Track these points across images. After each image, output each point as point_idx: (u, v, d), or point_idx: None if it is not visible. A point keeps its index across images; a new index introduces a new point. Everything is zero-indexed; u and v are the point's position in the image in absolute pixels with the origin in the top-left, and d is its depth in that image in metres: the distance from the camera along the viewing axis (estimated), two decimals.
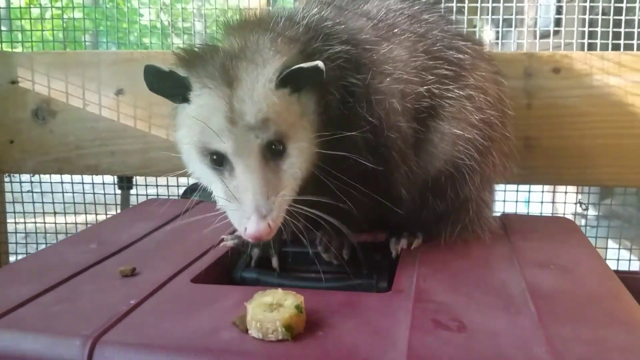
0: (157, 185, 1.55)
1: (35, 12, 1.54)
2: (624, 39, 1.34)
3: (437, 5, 1.10)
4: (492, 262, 0.92)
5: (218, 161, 0.78)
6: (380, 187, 0.89)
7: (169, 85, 0.79)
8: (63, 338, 0.66)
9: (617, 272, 0.94)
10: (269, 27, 0.84)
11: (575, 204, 1.46)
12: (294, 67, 0.77)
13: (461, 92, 0.93)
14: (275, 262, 0.96)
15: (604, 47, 1.35)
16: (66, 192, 1.52)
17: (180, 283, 0.83)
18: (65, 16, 1.58)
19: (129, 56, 1.40)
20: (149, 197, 1.51)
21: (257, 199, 0.74)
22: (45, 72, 1.40)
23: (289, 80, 0.78)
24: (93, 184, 1.53)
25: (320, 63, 0.76)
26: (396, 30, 0.92)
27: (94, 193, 1.54)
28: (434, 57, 0.92)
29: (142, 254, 0.97)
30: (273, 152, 0.77)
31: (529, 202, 1.51)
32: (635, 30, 1.33)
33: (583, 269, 0.88)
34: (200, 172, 0.82)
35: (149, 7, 1.55)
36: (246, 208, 0.74)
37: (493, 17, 1.43)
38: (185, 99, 0.80)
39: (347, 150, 0.82)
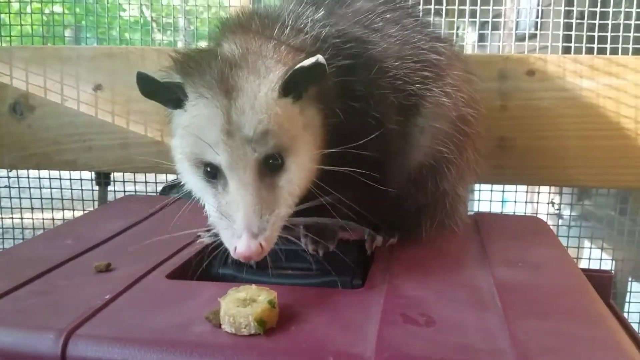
0: (135, 182, 1.55)
1: (16, 6, 1.52)
2: (598, 43, 1.37)
3: (416, 9, 1.12)
4: (463, 259, 0.94)
5: (212, 174, 0.76)
6: (376, 179, 0.87)
7: (163, 93, 0.77)
8: (37, 331, 0.66)
9: (585, 270, 0.96)
10: (272, 35, 0.81)
11: (548, 204, 1.50)
12: (295, 68, 0.73)
13: (440, 90, 0.95)
14: None
15: (582, 51, 1.38)
16: (44, 188, 1.52)
17: (155, 278, 0.84)
18: (46, 10, 1.57)
19: (107, 51, 1.40)
20: (127, 194, 1.51)
21: (249, 217, 0.71)
22: (24, 66, 1.40)
23: (292, 88, 0.75)
24: (71, 179, 1.53)
25: (320, 57, 0.73)
26: (384, 34, 0.93)
27: (71, 189, 1.54)
28: (418, 61, 0.93)
29: (117, 250, 0.97)
30: (270, 166, 0.75)
31: (504, 201, 1.54)
32: (609, 34, 1.36)
33: (550, 267, 0.90)
34: (193, 184, 0.80)
35: (129, 3, 1.54)
36: (237, 226, 0.72)
37: (474, 19, 1.45)
38: (179, 105, 0.77)
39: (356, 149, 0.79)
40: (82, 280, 0.83)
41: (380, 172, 0.90)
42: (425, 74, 0.93)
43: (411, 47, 0.94)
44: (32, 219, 1.57)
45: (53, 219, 1.55)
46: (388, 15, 0.95)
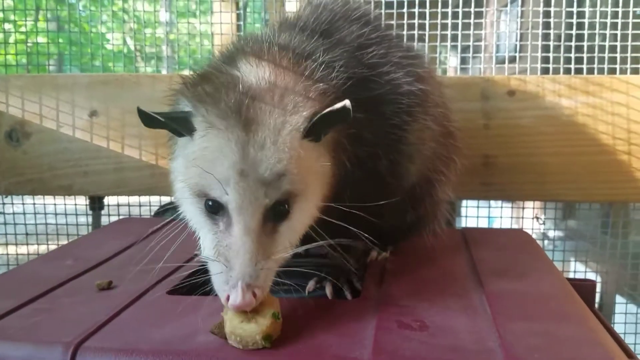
0: (129, 205, 1.57)
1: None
2: (575, 64, 1.44)
3: (394, 35, 1.14)
4: (453, 270, 0.98)
5: (214, 208, 0.71)
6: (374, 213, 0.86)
7: (167, 125, 0.72)
8: (45, 345, 0.68)
9: (569, 279, 1.00)
10: (304, 72, 0.78)
11: (533, 219, 1.54)
12: (324, 112, 0.70)
13: (424, 116, 0.95)
14: None
15: (560, 72, 1.44)
16: (38, 213, 1.54)
17: (156, 295, 0.86)
18: (29, 42, 1.60)
19: (102, 79, 1.44)
20: (121, 217, 1.54)
21: (246, 266, 0.68)
22: (20, 94, 1.43)
23: (314, 131, 0.71)
24: (65, 204, 1.55)
25: (347, 102, 0.69)
26: (379, 71, 0.90)
27: (65, 214, 1.56)
28: (407, 93, 0.91)
29: (117, 269, 0.99)
30: (276, 212, 0.70)
31: (490, 218, 1.59)
32: (585, 55, 1.43)
33: (536, 275, 0.94)
34: (192, 215, 0.76)
35: (113, 32, 1.59)
36: (233, 275, 0.68)
37: (455, 44, 1.51)
38: (186, 134, 0.73)
39: (360, 196, 0.79)
40: (85, 297, 0.85)
41: (377, 208, 0.91)
42: (411, 109, 0.92)
43: (401, 82, 0.91)
44: (27, 244, 1.58)
45: (47, 244, 1.57)
46: (381, 51, 0.92)
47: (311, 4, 1.00)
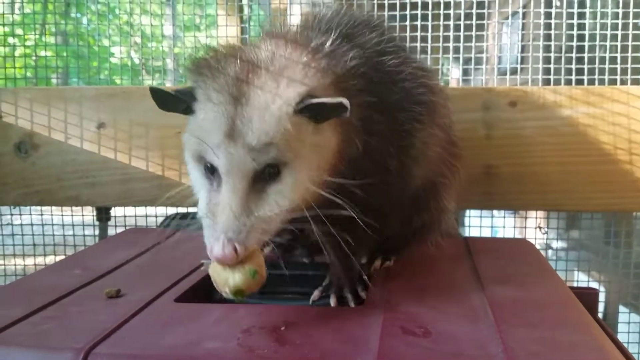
0: (135, 216, 1.59)
1: (4, 50, 1.57)
2: (576, 75, 1.46)
3: (405, 46, 1.17)
4: (456, 277, 0.99)
5: (211, 170, 0.77)
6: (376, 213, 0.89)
7: (175, 102, 0.78)
8: (56, 352, 0.70)
9: (572, 288, 1.01)
10: (309, 47, 0.81)
11: (535, 228, 1.55)
12: (315, 101, 0.74)
13: (432, 123, 0.99)
14: None
15: (561, 83, 1.46)
16: (45, 224, 1.56)
17: (164, 302, 0.88)
18: (34, 55, 1.62)
19: (110, 91, 1.46)
20: (128, 228, 1.55)
21: (229, 221, 0.73)
22: (29, 107, 1.45)
23: (310, 111, 0.74)
24: (72, 216, 1.57)
25: (344, 100, 0.73)
26: (395, 77, 0.93)
27: (73, 225, 1.58)
28: (417, 102, 0.95)
29: (125, 278, 1.01)
30: (266, 174, 0.75)
31: (494, 227, 1.60)
32: (585, 66, 1.45)
33: (539, 283, 0.95)
34: (194, 177, 0.81)
35: (121, 46, 1.61)
36: (217, 228, 0.73)
37: (458, 56, 1.53)
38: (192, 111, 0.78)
39: (366, 192, 0.81)
40: (93, 305, 0.87)
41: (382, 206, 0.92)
42: (421, 117, 0.95)
43: (413, 92, 0.94)
44: (34, 255, 1.60)
45: (55, 254, 1.58)
46: (395, 60, 0.93)
47: (330, 8, 1.02)
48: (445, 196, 1.04)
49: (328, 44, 0.84)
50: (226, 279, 0.72)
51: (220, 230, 0.72)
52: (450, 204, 1.09)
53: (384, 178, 0.89)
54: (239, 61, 0.77)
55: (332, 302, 0.89)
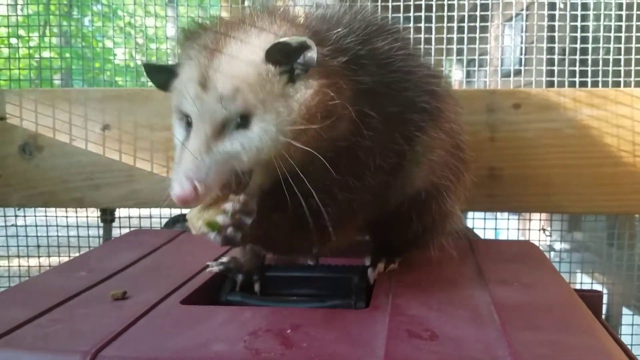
0: (139, 217, 1.59)
1: (6, 51, 1.58)
2: (579, 77, 1.46)
3: (417, 48, 1.17)
4: (461, 280, 0.99)
5: (189, 123, 0.80)
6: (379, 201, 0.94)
7: (165, 73, 0.84)
8: (63, 354, 0.70)
9: (576, 290, 1.02)
10: (288, 17, 0.84)
11: (539, 230, 1.56)
12: (278, 41, 0.76)
13: (438, 127, 1.00)
14: (257, 286, 1.02)
15: (565, 85, 1.46)
16: (50, 226, 1.56)
17: (170, 304, 0.88)
18: (37, 56, 1.63)
19: (115, 93, 1.46)
20: (132, 229, 1.56)
21: (190, 162, 0.75)
22: (33, 108, 1.46)
23: (277, 58, 0.77)
24: (77, 217, 1.58)
25: (308, 39, 0.76)
26: (397, 79, 0.94)
27: (77, 226, 1.58)
28: (420, 106, 0.96)
29: (131, 280, 1.01)
30: (235, 124, 0.77)
31: (496, 229, 1.60)
32: (589, 69, 1.45)
33: (543, 285, 0.95)
34: (176, 133, 0.84)
35: (124, 47, 1.61)
36: (179, 168, 0.75)
37: (461, 57, 1.54)
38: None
39: (354, 163, 0.85)
40: (100, 307, 0.87)
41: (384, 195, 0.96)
42: (426, 116, 0.97)
43: (419, 92, 0.96)
44: (38, 256, 1.60)
45: (59, 256, 1.59)
46: (401, 63, 0.94)
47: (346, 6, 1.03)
48: (448, 200, 1.04)
49: (317, 24, 0.88)
50: (201, 215, 0.73)
51: (181, 170, 0.75)
52: (455, 208, 1.09)
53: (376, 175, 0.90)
54: (220, 25, 0.82)
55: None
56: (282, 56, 0.77)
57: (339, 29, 0.87)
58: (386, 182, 0.94)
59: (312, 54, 0.77)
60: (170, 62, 0.88)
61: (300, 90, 0.79)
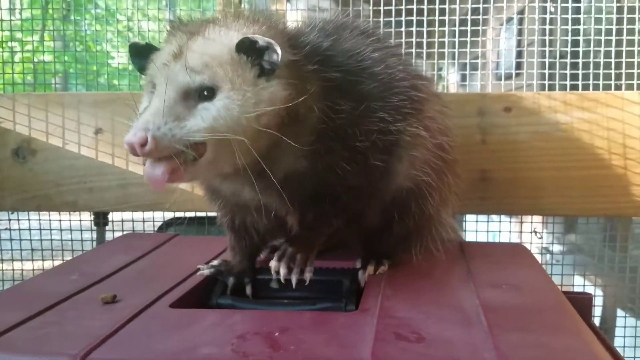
0: (133, 221, 1.60)
1: (3, 54, 1.58)
2: (571, 80, 1.47)
3: (399, 48, 1.20)
4: (450, 282, 1.00)
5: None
6: (357, 207, 0.98)
7: (147, 59, 0.87)
8: (52, 357, 0.70)
9: (565, 292, 1.02)
10: (266, 22, 0.90)
11: (531, 233, 1.56)
12: (248, 36, 0.82)
13: (418, 124, 1.01)
14: (248, 289, 1.02)
15: (556, 88, 1.47)
16: (44, 229, 1.56)
17: (159, 308, 0.88)
18: (34, 59, 1.63)
19: (108, 97, 1.47)
20: (125, 232, 1.56)
21: (150, 117, 0.77)
22: (26, 112, 1.46)
23: (250, 55, 0.82)
24: (70, 221, 1.58)
25: (274, 43, 0.81)
26: (373, 70, 0.98)
27: (70, 230, 1.58)
28: (401, 99, 0.99)
29: (122, 283, 1.01)
30: (200, 95, 0.81)
31: (489, 231, 1.61)
32: (580, 72, 1.46)
33: (532, 288, 0.96)
34: (143, 103, 0.86)
35: (118, 51, 1.62)
36: (140, 119, 0.78)
37: (454, 61, 1.54)
38: None
39: (333, 163, 0.90)
40: (90, 311, 0.87)
41: (362, 200, 0.99)
42: (407, 110, 0.99)
43: (395, 85, 0.99)
44: (32, 260, 1.61)
45: (52, 259, 1.59)
46: (375, 55, 1.00)
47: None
48: (431, 203, 1.04)
49: (291, 27, 0.96)
50: None
51: (139, 122, 0.77)
52: (439, 213, 1.10)
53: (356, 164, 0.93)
54: (205, 20, 0.89)
55: (282, 270, 0.93)
56: (251, 51, 0.82)
57: (312, 35, 0.94)
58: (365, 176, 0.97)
59: (276, 55, 0.82)
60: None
61: (271, 85, 0.84)
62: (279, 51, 0.82)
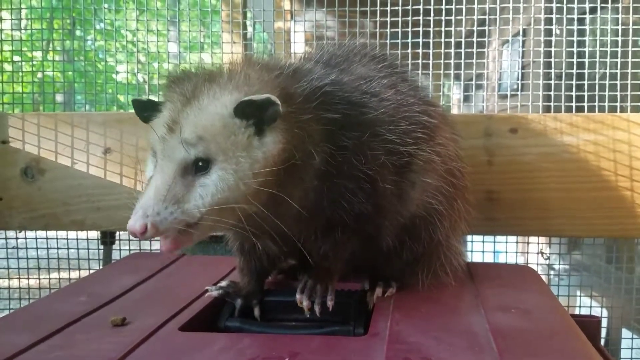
0: (139, 240, 1.60)
1: (9, 69, 1.60)
2: (576, 102, 1.48)
3: (411, 74, 1.21)
4: (459, 306, 1.00)
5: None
6: (368, 232, 0.98)
7: (150, 113, 0.89)
8: None
9: (574, 315, 1.02)
10: (258, 70, 0.90)
11: (537, 253, 1.56)
12: (244, 99, 0.82)
13: (430, 149, 1.02)
14: (257, 311, 1.02)
15: (561, 109, 1.48)
16: (51, 248, 1.57)
17: (169, 331, 0.88)
18: (39, 74, 1.65)
19: (117, 117, 1.48)
20: (131, 252, 1.56)
21: (149, 200, 0.80)
22: (36, 132, 1.47)
23: (248, 114, 0.83)
24: (77, 239, 1.58)
25: (272, 97, 0.82)
26: (381, 98, 0.99)
27: (77, 249, 1.59)
28: (411, 123, 1.00)
29: (131, 305, 1.01)
30: (196, 168, 0.83)
31: (496, 252, 1.61)
32: (586, 93, 1.47)
33: (541, 312, 0.96)
34: (147, 168, 0.90)
35: (126, 63, 1.63)
36: (138, 203, 0.81)
37: (459, 82, 1.55)
38: None
39: (339, 197, 0.91)
40: (99, 334, 0.87)
41: (374, 228, 0.99)
42: (417, 135, 1.00)
43: (405, 110, 1.01)
44: (39, 278, 1.61)
45: (59, 279, 1.59)
46: (385, 81, 1.01)
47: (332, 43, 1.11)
48: (440, 230, 1.05)
49: (295, 66, 0.95)
50: None
51: (140, 205, 0.80)
52: (449, 240, 1.10)
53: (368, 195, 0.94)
54: (203, 74, 0.89)
55: (304, 302, 0.94)
56: (249, 111, 0.83)
57: (315, 73, 0.94)
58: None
59: (277, 108, 0.83)
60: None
61: (263, 144, 0.85)
62: (278, 102, 0.82)
